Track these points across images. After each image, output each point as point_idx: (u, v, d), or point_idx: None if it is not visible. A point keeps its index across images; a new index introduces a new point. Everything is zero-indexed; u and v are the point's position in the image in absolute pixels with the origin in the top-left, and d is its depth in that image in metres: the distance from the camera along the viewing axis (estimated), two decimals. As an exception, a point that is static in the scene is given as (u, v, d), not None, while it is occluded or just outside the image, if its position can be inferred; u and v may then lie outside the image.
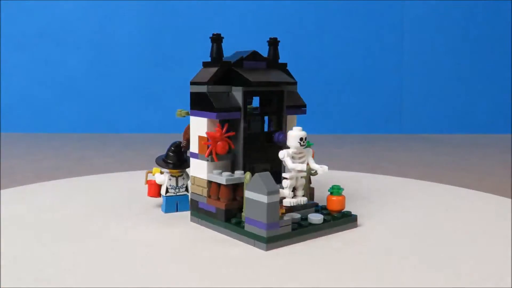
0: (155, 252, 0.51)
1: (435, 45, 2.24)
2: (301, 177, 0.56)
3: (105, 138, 1.87)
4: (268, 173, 0.52)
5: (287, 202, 0.55)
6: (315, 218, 0.55)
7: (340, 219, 0.57)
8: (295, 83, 0.62)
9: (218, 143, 0.56)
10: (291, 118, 0.63)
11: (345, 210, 0.59)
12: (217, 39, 0.59)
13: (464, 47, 2.24)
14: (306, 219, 0.56)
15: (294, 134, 0.55)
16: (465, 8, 2.22)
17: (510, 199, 0.77)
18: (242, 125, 0.58)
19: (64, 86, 2.15)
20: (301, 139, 0.55)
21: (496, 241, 0.55)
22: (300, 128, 0.56)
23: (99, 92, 2.16)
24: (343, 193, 0.59)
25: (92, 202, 0.72)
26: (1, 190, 0.80)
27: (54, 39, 2.13)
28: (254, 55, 0.60)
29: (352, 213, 0.60)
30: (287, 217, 0.53)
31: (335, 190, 0.58)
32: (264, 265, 0.47)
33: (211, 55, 0.59)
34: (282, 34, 2.16)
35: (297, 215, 0.56)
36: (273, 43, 0.64)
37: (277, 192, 0.51)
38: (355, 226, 0.59)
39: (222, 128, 0.56)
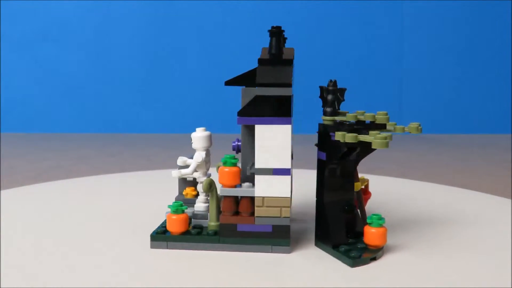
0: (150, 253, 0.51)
1: (435, 45, 2.24)
2: (198, 181, 0.56)
3: (105, 138, 1.87)
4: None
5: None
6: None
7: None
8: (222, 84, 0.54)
9: None
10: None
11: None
12: (277, 33, 0.52)
13: (464, 47, 2.24)
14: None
15: None
16: (465, 8, 2.22)
17: (510, 199, 0.77)
18: None
19: (64, 86, 2.15)
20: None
21: (496, 242, 0.55)
22: (202, 128, 0.55)
23: (99, 92, 2.16)
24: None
25: (92, 202, 0.72)
26: (1, 190, 0.80)
27: (54, 39, 2.13)
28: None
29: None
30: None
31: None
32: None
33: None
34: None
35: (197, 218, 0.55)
36: (276, 33, 0.53)
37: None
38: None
39: None
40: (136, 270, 0.46)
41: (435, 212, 0.68)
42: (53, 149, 1.53)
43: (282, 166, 0.50)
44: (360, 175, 0.58)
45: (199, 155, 0.54)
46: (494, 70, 2.25)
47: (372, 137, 0.45)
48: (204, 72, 2.17)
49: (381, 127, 0.51)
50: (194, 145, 0.55)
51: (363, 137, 0.46)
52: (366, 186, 0.60)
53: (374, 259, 0.48)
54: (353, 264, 0.47)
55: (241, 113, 0.50)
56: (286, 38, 0.58)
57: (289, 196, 0.51)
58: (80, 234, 0.56)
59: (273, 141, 0.50)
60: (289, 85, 0.49)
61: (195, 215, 0.55)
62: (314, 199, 0.53)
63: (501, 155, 1.48)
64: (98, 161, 1.29)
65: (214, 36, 2.17)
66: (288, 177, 0.50)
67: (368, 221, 0.50)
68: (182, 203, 0.52)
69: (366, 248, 0.50)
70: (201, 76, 2.17)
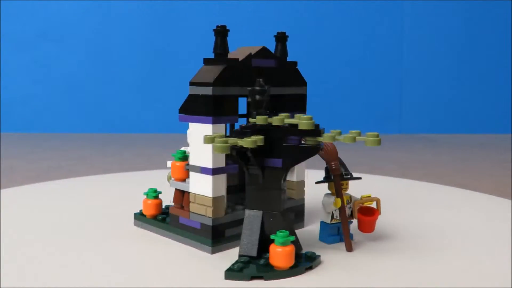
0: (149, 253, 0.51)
1: (435, 45, 2.24)
2: None
3: (105, 138, 1.87)
4: None
5: None
6: None
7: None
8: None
9: None
10: None
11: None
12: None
13: (464, 47, 2.24)
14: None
15: None
16: (465, 8, 2.22)
17: (510, 200, 0.77)
18: None
19: (64, 86, 2.14)
20: None
21: (496, 242, 0.55)
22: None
23: (99, 92, 2.15)
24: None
25: (92, 202, 0.72)
26: (1, 190, 0.80)
27: (54, 39, 2.13)
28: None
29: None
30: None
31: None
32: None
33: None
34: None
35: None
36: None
37: None
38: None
39: None
40: (137, 271, 0.46)
41: (434, 212, 0.68)
42: (53, 149, 1.53)
43: (206, 165, 0.50)
44: (367, 193, 0.54)
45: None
46: (494, 70, 2.25)
47: (214, 142, 0.43)
48: (204, 72, 2.17)
49: (312, 133, 0.47)
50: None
51: (216, 140, 0.43)
52: (378, 205, 0.55)
53: (260, 277, 0.44)
54: (225, 276, 0.44)
55: (179, 111, 0.52)
56: (287, 37, 0.59)
57: (211, 196, 0.49)
58: (80, 234, 0.56)
59: (199, 140, 0.50)
60: (209, 84, 0.49)
61: None
62: (313, 203, 0.53)
63: (501, 155, 1.48)
64: (98, 161, 1.29)
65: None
66: (210, 177, 0.49)
67: (272, 237, 0.45)
68: (156, 190, 0.58)
69: (267, 265, 0.45)
70: (201, 76, 2.17)
